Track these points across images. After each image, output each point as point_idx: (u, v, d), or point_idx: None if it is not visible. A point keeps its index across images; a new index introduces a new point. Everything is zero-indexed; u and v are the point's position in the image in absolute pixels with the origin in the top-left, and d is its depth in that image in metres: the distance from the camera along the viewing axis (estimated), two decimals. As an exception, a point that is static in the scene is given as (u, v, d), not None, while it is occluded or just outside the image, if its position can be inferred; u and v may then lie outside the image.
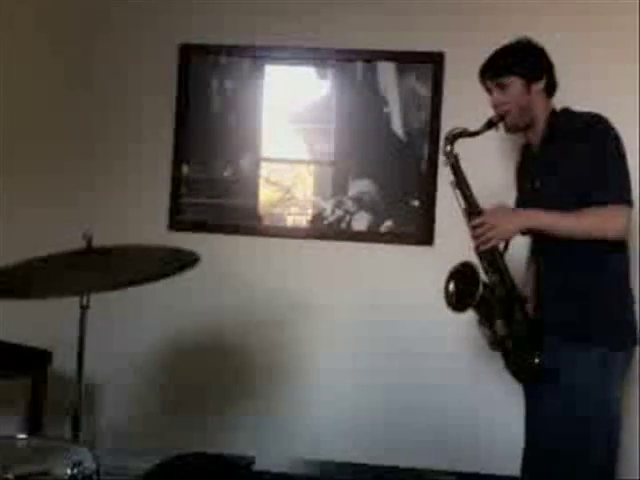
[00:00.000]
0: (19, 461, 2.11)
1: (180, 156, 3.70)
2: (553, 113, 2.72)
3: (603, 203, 2.53)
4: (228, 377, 3.67)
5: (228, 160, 3.69)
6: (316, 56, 3.63)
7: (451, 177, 2.79)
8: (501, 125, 2.75)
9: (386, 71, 3.60)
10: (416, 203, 3.59)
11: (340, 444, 3.54)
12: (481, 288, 2.64)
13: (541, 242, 2.73)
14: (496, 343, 2.73)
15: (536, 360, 2.63)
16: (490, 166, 3.39)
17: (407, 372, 3.54)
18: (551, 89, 2.75)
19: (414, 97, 3.59)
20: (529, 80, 2.69)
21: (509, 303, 2.70)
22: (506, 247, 2.74)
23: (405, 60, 3.57)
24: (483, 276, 2.70)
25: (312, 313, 3.61)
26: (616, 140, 2.62)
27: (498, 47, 2.77)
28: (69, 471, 2.08)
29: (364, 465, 3.50)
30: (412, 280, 3.50)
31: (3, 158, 3.76)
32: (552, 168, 2.66)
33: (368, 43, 3.57)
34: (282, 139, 3.68)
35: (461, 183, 2.77)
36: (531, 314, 2.72)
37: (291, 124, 3.67)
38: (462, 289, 2.70)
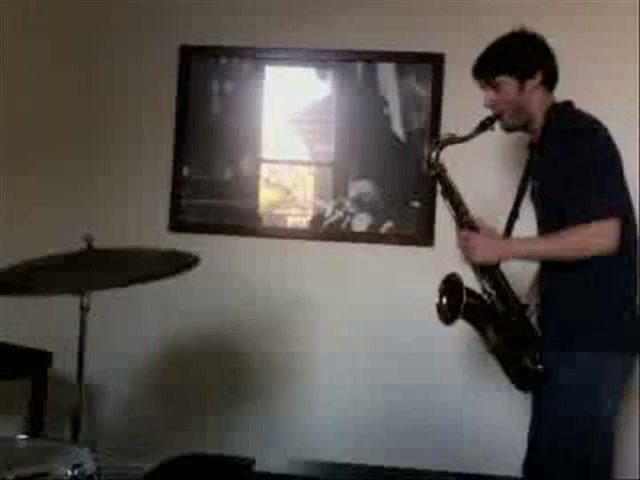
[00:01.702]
0: (19, 462, 2.10)
1: (180, 157, 3.70)
2: (551, 109, 2.59)
3: (586, 220, 2.41)
4: (228, 377, 3.67)
5: (228, 161, 3.69)
6: (316, 57, 3.63)
7: (439, 186, 2.70)
8: (498, 125, 2.65)
9: (386, 72, 3.60)
10: (416, 204, 3.59)
11: (340, 445, 3.54)
12: (465, 299, 2.55)
13: None
14: (491, 351, 2.67)
15: (532, 366, 2.57)
16: (486, 167, 3.40)
17: (407, 372, 3.54)
18: (550, 82, 2.61)
19: (414, 98, 3.59)
20: (522, 78, 2.57)
21: (503, 311, 2.62)
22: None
23: (405, 61, 3.58)
24: (475, 284, 2.64)
25: (312, 313, 3.62)
26: (606, 148, 2.49)
27: (489, 42, 2.66)
28: (69, 472, 2.07)
29: (364, 466, 3.50)
30: (412, 281, 3.50)
31: (3, 158, 3.76)
32: (544, 171, 2.60)
33: (368, 44, 3.57)
34: (282, 140, 3.68)
35: (450, 192, 2.67)
36: (531, 319, 2.65)
37: (291, 125, 3.68)
38: (452, 301, 2.62)
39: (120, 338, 3.66)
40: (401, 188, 3.60)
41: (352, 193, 3.64)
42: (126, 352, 3.66)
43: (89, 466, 2.13)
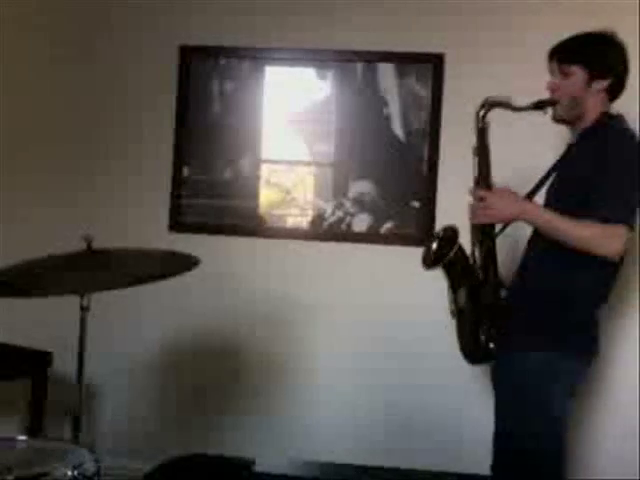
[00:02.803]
0: (19, 463, 2.11)
1: (180, 157, 3.69)
2: (603, 115, 2.63)
3: (605, 219, 2.44)
4: (228, 377, 3.67)
5: (228, 161, 3.69)
6: (316, 57, 3.63)
7: (475, 142, 2.74)
8: (550, 110, 2.68)
9: (386, 72, 3.60)
10: (416, 204, 3.59)
11: (340, 445, 3.54)
12: (454, 250, 2.66)
13: (533, 237, 2.72)
14: (455, 313, 2.76)
15: (484, 342, 2.67)
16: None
17: (407, 372, 3.54)
18: (615, 92, 2.65)
19: (414, 98, 3.59)
20: (592, 75, 2.60)
21: (482, 280, 2.70)
22: (503, 228, 2.74)
23: (405, 61, 3.57)
24: (468, 248, 2.74)
25: (312, 314, 3.61)
26: (636, 161, 2.52)
27: (580, 32, 2.67)
28: (70, 472, 2.07)
29: (364, 466, 3.50)
30: (412, 281, 3.49)
31: (3, 158, 3.75)
32: (568, 169, 2.64)
33: (368, 44, 3.57)
34: (282, 140, 3.67)
35: (482, 151, 2.72)
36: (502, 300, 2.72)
37: (291, 125, 3.67)
38: (441, 250, 2.73)
39: (120, 338, 3.66)
40: (401, 188, 3.60)
41: (352, 193, 3.63)
42: (126, 352, 3.67)
43: (89, 466, 2.13)
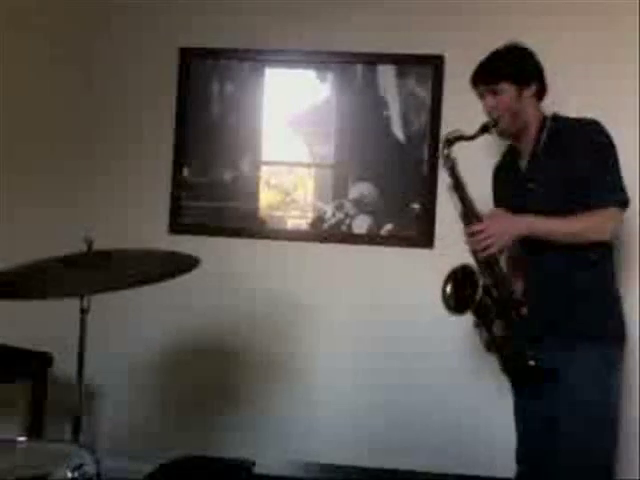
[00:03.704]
0: (20, 464, 2.11)
1: (180, 159, 3.69)
2: (545, 118, 2.75)
3: (603, 205, 2.56)
4: (228, 378, 3.67)
5: (228, 163, 3.69)
6: (316, 59, 3.62)
7: (449, 180, 2.80)
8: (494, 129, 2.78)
9: (386, 73, 3.59)
10: (416, 206, 3.58)
11: (340, 446, 3.54)
12: (480, 291, 2.63)
13: (529, 243, 2.72)
14: (493, 345, 2.73)
15: (532, 362, 2.65)
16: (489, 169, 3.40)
17: (407, 372, 3.54)
18: (541, 94, 2.79)
19: (414, 99, 3.58)
20: (521, 86, 2.73)
21: (506, 305, 2.71)
22: (501, 250, 2.74)
23: (405, 62, 3.57)
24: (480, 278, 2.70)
25: (312, 314, 3.61)
26: (611, 144, 2.65)
27: (488, 53, 2.81)
28: (70, 474, 2.08)
29: (364, 467, 3.50)
30: (412, 283, 3.50)
31: (3, 158, 3.76)
32: (550, 169, 2.68)
33: (368, 46, 3.57)
34: (282, 142, 3.67)
35: (459, 186, 2.77)
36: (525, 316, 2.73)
37: (291, 127, 3.67)
38: (459, 291, 2.71)
39: (120, 338, 3.66)
40: (401, 190, 3.59)
41: (352, 195, 3.63)
42: (126, 352, 3.66)
43: (89, 468, 2.13)
